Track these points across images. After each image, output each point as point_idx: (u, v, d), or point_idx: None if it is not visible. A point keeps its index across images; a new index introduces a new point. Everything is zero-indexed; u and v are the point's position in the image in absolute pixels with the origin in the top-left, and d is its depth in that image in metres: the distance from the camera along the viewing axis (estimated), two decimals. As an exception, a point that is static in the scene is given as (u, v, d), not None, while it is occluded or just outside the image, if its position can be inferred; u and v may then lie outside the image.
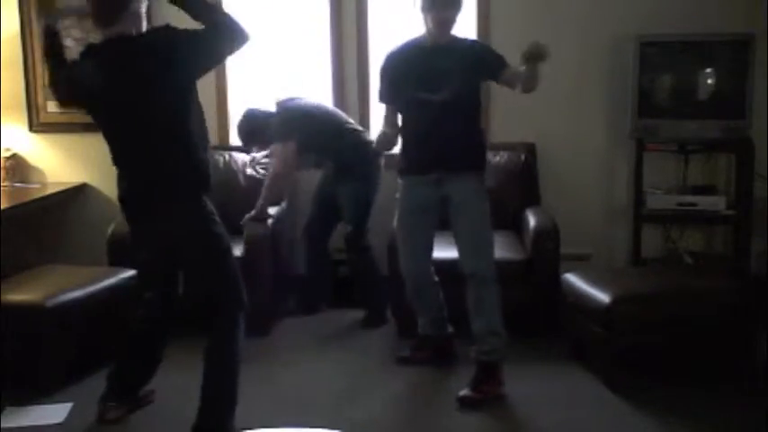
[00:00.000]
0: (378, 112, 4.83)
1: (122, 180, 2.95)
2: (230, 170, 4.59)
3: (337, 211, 4.36)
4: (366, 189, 4.27)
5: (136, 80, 2.76)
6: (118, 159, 2.93)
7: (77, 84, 2.88)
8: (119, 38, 2.78)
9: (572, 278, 3.75)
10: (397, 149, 3.60)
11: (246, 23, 2.81)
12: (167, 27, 2.79)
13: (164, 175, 2.85)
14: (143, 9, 2.85)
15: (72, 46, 4.73)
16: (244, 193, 4.47)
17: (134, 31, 2.80)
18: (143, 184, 2.90)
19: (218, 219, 2.95)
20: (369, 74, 4.78)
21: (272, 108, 4.30)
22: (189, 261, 3.00)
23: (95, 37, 2.99)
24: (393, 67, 3.47)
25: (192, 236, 2.91)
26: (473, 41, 3.63)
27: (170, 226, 2.90)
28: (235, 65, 4.81)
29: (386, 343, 4.04)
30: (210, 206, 2.94)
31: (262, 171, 4.55)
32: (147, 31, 2.86)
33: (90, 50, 2.88)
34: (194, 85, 2.85)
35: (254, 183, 4.53)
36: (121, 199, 2.97)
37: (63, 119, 4.77)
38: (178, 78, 2.77)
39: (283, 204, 4.52)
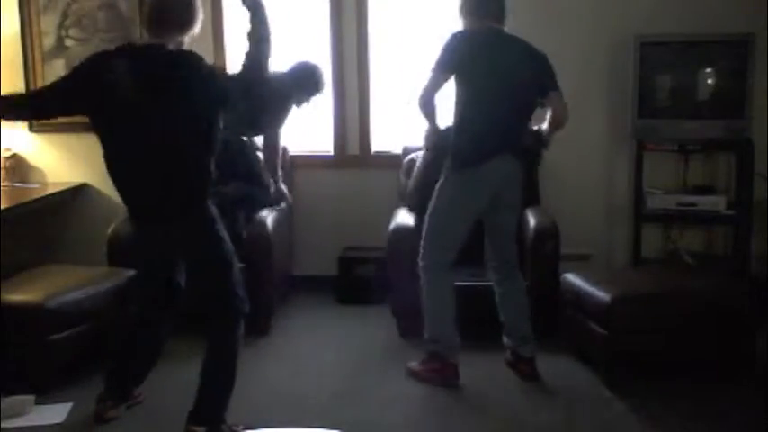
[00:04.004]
0: (379, 114, 4.85)
1: (124, 188, 2.94)
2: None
3: None
4: None
5: (165, 92, 2.76)
6: (116, 165, 2.90)
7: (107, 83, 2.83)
8: (160, 47, 2.80)
9: (572, 278, 3.75)
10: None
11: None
12: (210, 67, 2.84)
13: (170, 190, 2.87)
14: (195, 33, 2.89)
15: (71, 46, 4.77)
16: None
17: (173, 46, 2.82)
18: (147, 196, 2.91)
19: (220, 223, 2.98)
20: (368, 73, 4.78)
21: None
22: (194, 263, 3.03)
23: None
24: None
25: (197, 239, 2.94)
26: None
27: (175, 230, 2.93)
28: (235, 64, 4.81)
29: (386, 343, 4.03)
30: (213, 210, 2.96)
31: None
32: (189, 53, 2.84)
33: (126, 50, 2.86)
34: (216, 121, 2.86)
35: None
36: (128, 206, 2.99)
37: (63, 119, 4.76)
38: (201, 110, 2.80)
39: (283, 205, 4.52)
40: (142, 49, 2.89)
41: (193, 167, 2.86)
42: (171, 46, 2.82)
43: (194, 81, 2.79)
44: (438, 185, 3.47)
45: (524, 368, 3.59)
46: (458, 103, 3.40)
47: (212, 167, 2.89)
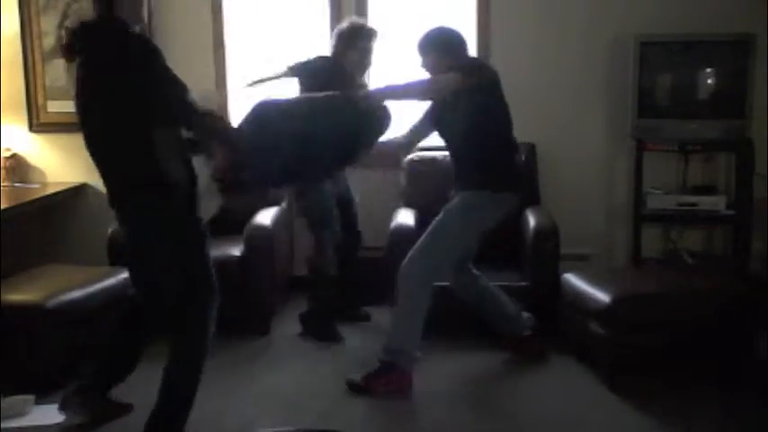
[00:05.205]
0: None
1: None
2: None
3: None
4: None
5: (108, 67, 2.71)
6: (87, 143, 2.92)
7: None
8: (112, 20, 2.71)
9: (572, 278, 3.75)
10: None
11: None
12: (156, 55, 2.69)
13: (118, 167, 2.88)
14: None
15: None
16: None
17: (129, 20, 2.73)
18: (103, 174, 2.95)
19: (175, 217, 2.81)
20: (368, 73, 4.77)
21: None
22: (136, 260, 2.92)
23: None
24: None
25: (138, 234, 2.84)
26: None
27: (126, 220, 2.88)
28: (235, 64, 4.82)
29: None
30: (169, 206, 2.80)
31: None
32: (140, 37, 2.77)
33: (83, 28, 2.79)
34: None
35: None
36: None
37: (63, 119, 4.77)
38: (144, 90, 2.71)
39: (283, 204, 4.52)
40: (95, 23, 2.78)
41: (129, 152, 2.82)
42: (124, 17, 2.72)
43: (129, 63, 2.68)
44: (465, 204, 3.43)
45: (527, 347, 3.65)
46: (494, 124, 3.45)
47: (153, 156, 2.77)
